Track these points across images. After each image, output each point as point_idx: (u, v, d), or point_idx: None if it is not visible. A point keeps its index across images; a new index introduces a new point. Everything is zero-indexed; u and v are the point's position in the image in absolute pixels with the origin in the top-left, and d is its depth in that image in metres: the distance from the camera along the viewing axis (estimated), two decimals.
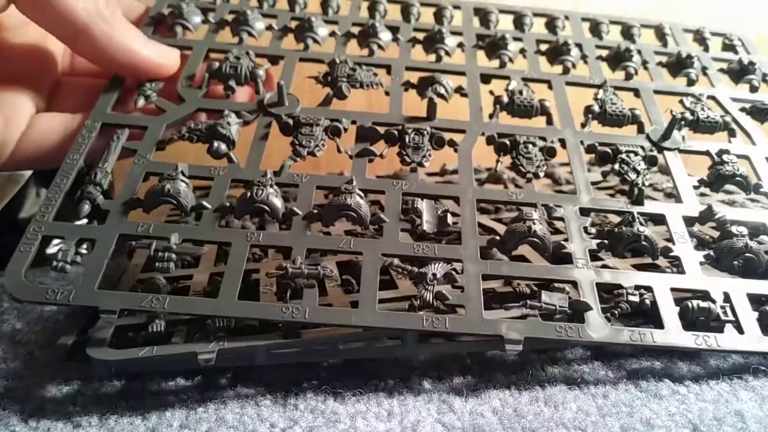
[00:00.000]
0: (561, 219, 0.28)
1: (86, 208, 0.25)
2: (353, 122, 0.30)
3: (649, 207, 0.29)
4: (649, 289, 0.26)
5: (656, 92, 0.35)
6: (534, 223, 0.26)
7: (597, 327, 0.24)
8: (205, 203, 0.26)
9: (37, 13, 0.28)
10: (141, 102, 0.30)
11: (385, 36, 0.36)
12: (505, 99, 0.32)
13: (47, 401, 0.24)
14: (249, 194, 0.26)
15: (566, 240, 0.27)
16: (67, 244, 0.24)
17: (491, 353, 0.27)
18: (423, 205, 0.27)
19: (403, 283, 0.28)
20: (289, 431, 0.22)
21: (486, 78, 0.34)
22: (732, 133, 0.33)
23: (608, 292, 0.27)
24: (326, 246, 0.26)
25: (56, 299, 0.22)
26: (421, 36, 0.37)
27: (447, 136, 0.31)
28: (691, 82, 0.36)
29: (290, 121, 0.30)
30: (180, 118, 0.30)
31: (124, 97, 0.31)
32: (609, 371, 0.26)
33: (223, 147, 0.28)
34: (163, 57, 0.31)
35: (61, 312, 0.32)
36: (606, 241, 0.27)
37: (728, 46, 0.40)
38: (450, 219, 0.27)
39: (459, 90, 0.33)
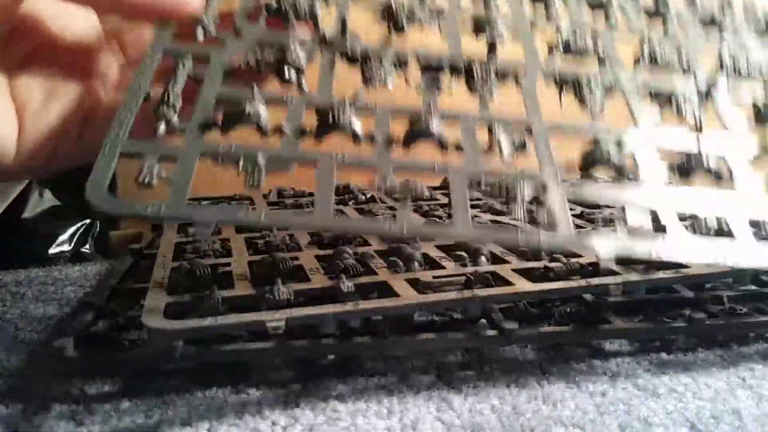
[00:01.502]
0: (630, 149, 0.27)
1: (162, 127, 0.24)
2: (416, 57, 0.30)
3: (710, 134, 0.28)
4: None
5: (694, 43, 0.34)
6: (614, 148, 0.26)
7: (683, 242, 0.24)
8: (284, 125, 0.25)
9: None
10: (201, 35, 0.29)
11: None
12: (560, 41, 0.32)
13: (50, 400, 0.24)
14: (331, 116, 0.25)
15: None
16: (151, 160, 0.22)
17: (489, 350, 0.27)
18: (500, 131, 0.27)
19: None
20: (291, 429, 0.22)
21: (533, 25, 0.34)
22: None
23: None
24: (412, 166, 0.25)
25: (146, 212, 0.21)
26: None
27: None
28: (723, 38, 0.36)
29: (357, 51, 0.29)
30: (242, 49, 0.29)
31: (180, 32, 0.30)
32: (607, 369, 0.26)
33: (293, 73, 0.28)
34: None
35: (63, 311, 0.32)
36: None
37: None
38: (529, 147, 0.27)
39: (512, 33, 0.32)
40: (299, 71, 0.27)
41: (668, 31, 0.35)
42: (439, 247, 0.33)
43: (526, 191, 0.24)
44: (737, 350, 0.28)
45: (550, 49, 0.32)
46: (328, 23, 0.30)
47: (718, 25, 0.36)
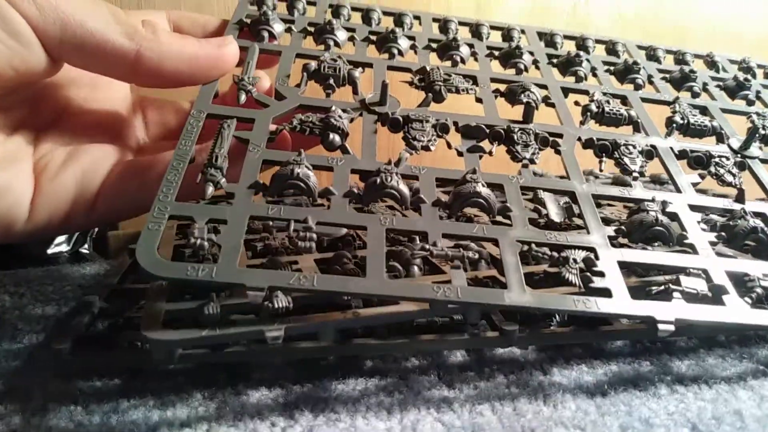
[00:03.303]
0: (674, 214, 0.29)
1: (210, 189, 0.25)
2: (455, 123, 0.31)
3: (752, 206, 0.30)
4: None
5: (723, 110, 0.37)
6: (659, 214, 0.27)
7: (738, 310, 0.24)
8: (331, 189, 0.26)
9: (88, 62, 0.27)
10: (243, 98, 0.30)
11: (465, 50, 0.37)
12: (594, 108, 0.33)
13: (48, 400, 0.24)
14: (378, 180, 0.26)
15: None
16: (200, 223, 0.23)
17: (489, 351, 0.27)
18: (546, 196, 0.27)
19: (446, 269, 0.28)
20: (290, 429, 0.22)
21: (565, 91, 0.36)
22: None
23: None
24: (460, 232, 0.26)
25: (197, 276, 0.21)
26: (496, 53, 0.39)
27: None
28: (750, 103, 0.39)
29: (399, 118, 0.30)
30: (284, 112, 0.30)
31: (221, 95, 0.31)
32: (608, 370, 0.26)
33: (338, 139, 0.28)
34: (221, 47, 0.30)
35: (61, 311, 0.32)
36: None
37: None
38: (575, 209, 0.27)
39: (546, 99, 0.34)
40: (343, 136, 0.28)
41: (694, 95, 0.37)
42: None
43: (577, 255, 0.25)
44: (738, 351, 0.28)
45: (583, 115, 0.33)
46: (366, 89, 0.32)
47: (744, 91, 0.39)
